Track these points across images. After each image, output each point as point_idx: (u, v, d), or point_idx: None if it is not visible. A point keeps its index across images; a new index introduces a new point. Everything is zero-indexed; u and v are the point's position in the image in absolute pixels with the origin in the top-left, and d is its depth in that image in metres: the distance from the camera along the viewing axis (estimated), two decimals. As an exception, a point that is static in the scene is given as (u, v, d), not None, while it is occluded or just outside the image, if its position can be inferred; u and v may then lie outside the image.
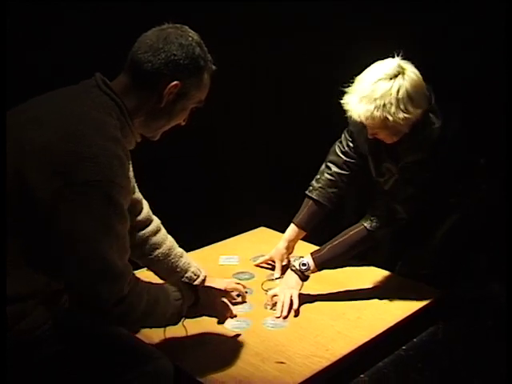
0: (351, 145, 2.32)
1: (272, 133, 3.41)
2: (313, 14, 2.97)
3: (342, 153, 2.34)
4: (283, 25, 3.11)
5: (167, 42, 1.48)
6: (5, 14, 1.88)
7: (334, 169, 2.34)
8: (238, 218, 3.01)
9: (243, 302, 2.08)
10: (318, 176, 2.38)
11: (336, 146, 2.37)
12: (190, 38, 1.51)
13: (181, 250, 2.02)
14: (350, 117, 2.23)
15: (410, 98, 1.90)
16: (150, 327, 1.67)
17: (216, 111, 2.83)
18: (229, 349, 1.84)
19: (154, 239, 1.94)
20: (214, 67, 1.58)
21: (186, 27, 1.55)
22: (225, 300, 1.82)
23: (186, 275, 2.00)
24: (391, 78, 1.91)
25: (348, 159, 2.33)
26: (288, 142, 3.38)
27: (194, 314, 1.71)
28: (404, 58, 1.98)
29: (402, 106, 1.89)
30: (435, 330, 2.18)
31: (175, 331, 1.88)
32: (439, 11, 2.57)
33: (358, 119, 1.97)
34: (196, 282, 2.00)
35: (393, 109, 1.89)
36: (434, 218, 2.29)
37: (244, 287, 2.12)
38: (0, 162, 1.38)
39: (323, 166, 2.39)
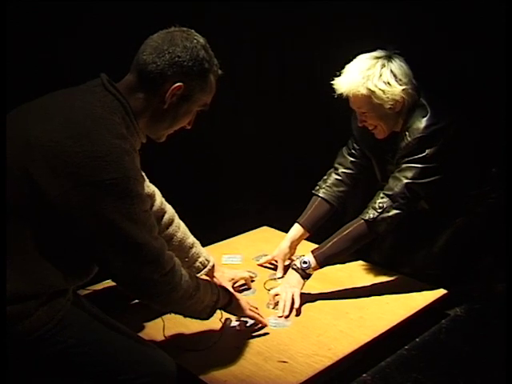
0: (357, 147, 2.38)
1: (276, 132, 3.41)
2: (323, 14, 2.96)
3: (349, 154, 2.41)
4: (293, 25, 3.11)
5: (172, 44, 1.48)
6: (5, 15, 1.88)
7: (341, 169, 2.41)
8: (240, 217, 3.02)
9: (248, 288, 2.23)
10: (326, 177, 2.44)
11: (343, 149, 2.44)
12: (195, 41, 1.51)
13: (192, 239, 2.05)
14: (354, 118, 2.26)
15: (393, 73, 2.05)
16: (184, 315, 1.71)
17: (219, 111, 2.83)
18: (231, 348, 1.84)
19: (166, 232, 1.97)
20: (220, 71, 1.58)
21: (192, 31, 1.55)
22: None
23: (194, 265, 2.03)
24: (376, 58, 2.08)
25: (354, 159, 2.40)
26: (291, 142, 3.38)
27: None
28: (396, 53, 2.11)
29: (384, 78, 2.04)
30: (438, 330, 2.18)
31: (177, 330, 1.89)
32: (439, 11, 2.57)
33: (342, 91, 2.08)
34: (202, 272, 2.04)
35: (375, 79, 2.03)
36: (441, 220, 2.30)
37: (251, 277, 2.26)
38: (0, 162, 1.38)
39: (331, 169, 2.45)
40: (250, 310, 1.89)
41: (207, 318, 1.73)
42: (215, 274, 2.11)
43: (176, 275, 1.52)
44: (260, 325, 1.94)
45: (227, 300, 1.79)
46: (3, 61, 1.96)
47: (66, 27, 2.53)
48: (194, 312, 1.69)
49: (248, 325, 1.94)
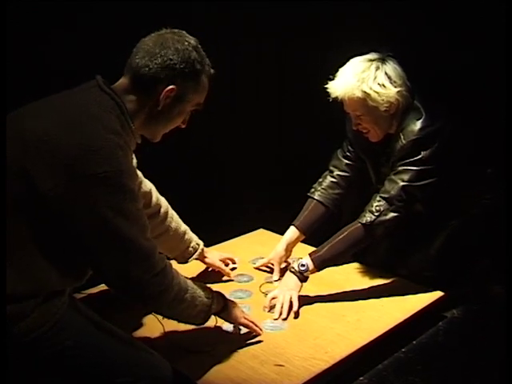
0: (351, 149, 2.38)
1: (272, 134, 3.40)
2: (325, 14, 2.96)
3: (344, 157, 2.41)
4: (294, 25, 3.11)
5: (164, 47, 1.50)
6: (5, 15, 1.88)
7: (337, 172, 2.40)
8: (237, 220, 3.01)
9: (234, 268, 2.38)
10: (321, 179, 2.44)
11: (338, 151, 2.44)
12: (187, 43, 1.53)
13: (184, 227, 2.15)
14: (348, 120, 2.26)
15: (388, 76, 2.05)
16: (178, 320, 1.72)
17: (216, 111, 2.82)
18: (227, 351, 1.83)
19: (162, 225, 2.05)
20: (212, 71, 1.61)
21: (184, 32, 1.58)
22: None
23: (188, 250, 2.16)
24: (370, 61, 2.08)
25: (349, 162, 2.39)
26: (288, 144, 3.38)
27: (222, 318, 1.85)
28: (389, 56, 2.11)
29: (379, 81, 2.04)
30: (435, 332, 2.17)
31: (174, 334, 1.88)
32: (438, 11, 2.57)
33: (337, 94, 2.08)
34: (194, 256, 2.18)
35: (370, 82, 2.03)
36: (437, 221, 2.30)
37: (233, 262, 2.41)
38: (0, 161, 1.38)
39: (326, 172, 2.44)
40: (245, 318, 1.88)
41: (202, 323, 1.74)
42: (207, 255, 2.25)
43: (167, 277, 1.53)
44: (254, 333, 1.91)
45: (221, 306, 1.79)
46: (3, 61, 1.96)
47: (63, 27, 2.53)
48: (188, 317, 1.70)
49: (242, 332, 1.91)
